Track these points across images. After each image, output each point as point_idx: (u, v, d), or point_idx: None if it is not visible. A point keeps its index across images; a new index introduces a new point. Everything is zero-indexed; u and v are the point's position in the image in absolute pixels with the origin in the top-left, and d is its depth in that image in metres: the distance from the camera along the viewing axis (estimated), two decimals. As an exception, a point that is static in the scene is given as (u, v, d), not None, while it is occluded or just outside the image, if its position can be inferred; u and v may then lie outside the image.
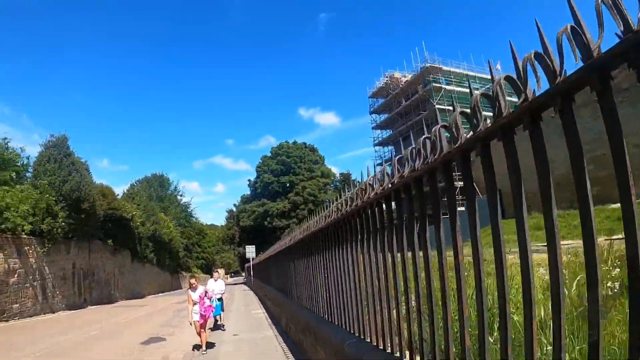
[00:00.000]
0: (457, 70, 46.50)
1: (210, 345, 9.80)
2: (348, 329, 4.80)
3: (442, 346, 2.93)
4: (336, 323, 5.36)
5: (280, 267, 12.46)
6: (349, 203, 4.45)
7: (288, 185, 53.82)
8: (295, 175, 54.05)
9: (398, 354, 3.44)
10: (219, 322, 12.97)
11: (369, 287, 4.03)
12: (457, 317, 3.05)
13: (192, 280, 9.82)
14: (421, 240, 3.04)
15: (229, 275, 79.90)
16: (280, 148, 57.39)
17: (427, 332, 2.98)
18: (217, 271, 14.37)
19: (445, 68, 45.98)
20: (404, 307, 3.34)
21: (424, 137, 2.88)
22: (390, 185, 3.44)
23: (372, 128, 56.03)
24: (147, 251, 37.67)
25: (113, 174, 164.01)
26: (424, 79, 46.84)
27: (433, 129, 2.75)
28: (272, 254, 14.96)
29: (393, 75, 52.58)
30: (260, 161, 58.45)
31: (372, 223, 3.94)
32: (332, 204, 5.25)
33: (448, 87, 44.38)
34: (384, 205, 3.72)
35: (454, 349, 2.72)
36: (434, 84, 44.93)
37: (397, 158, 3.29)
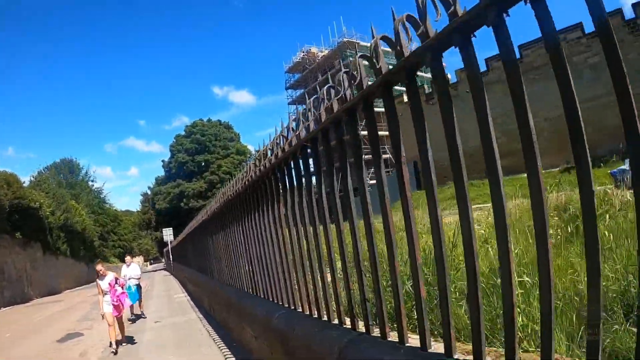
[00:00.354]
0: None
1: (129, 339, 8.62)
2: (276, 301, 4.26)
3: (389, 306, 2.50)
4: (262, 296, 4.79)
5: (198, 245, 11.57)
6: (268, 156, 3.83)
7: (203, 164, 51.45)
8: (210, 154, 51.82)
9: (336, 321, 2.96)
10: (136, 312, 11.69)
11: (296, 251, 3.48)
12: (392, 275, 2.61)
13: (99, 267, 8.49)
14: (360, 187, 2.52)
15: (148, 262, 76.15)
16: (194, 126, 54.65)
17: (370, 292, 2.51)
18: (128, 256, 12.86)
19: (362, 43, 45.87)
20: (340, 269, 2.84)
21: (358, 55, 2.35)
22: (315, 127, 2.88)
23: (288, 104, 54.95)
24: (60, 242, 33.94)
25: (19, 162, 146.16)
26: (341, 54, 46.60)
27: (370, 44, 2.23)
28: (188, 232, 13.96)
29: (310, 50, 51.73)
30: (174, 140, 55.23)
31: (297, 176, 3.38)
32: (251, 159, 4.59)
33: (365, 62, 44.49)
34: (309, 152, 3.17)
35: (408, 304, 2.29)
36: (351, 59, 44.91)
37: (326, 88, 2.72)
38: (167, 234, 33.49)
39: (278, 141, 3.56)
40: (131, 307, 11.08)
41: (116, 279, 8.38)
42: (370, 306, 2.55)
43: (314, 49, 51.84)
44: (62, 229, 34.74)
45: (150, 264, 75.18)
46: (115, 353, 7.62)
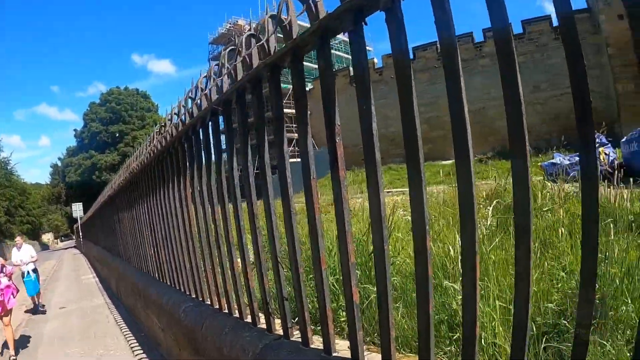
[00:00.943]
0: (304, 24, 45.82)
1: (23, 343, 6.90)
2: (183, 290, 3.70)
3: (311, 305, 2.09)
4: (169, 283, 4.20)
5: (106, 222, 10.48)
6: (174, 122, 3.21)
7: (118, 135, 47.99)
8: (125, 124, 48.39)
9: (249, 319, 2.50)
10: (37, 303, 9.86)
11: (203, 235, 2.95)
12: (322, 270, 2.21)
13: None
14: (279, 161, 2.04)
15: (59, 239, 70.65)
16: (110, 94, 50.60)
17: (289, 289, 2.08)
18: (19, 236, 10.27)
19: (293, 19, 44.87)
20: (255, 258, 2.36)
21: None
22: (229, 86, 2.34)
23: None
24: None
25: None
26: (269, 29, 45.06)
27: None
28: (96, 208, 12.71)
29: (237, 22, 49.22)
30: (89, 109, 50.95)
31: (206, 147, 2.82)
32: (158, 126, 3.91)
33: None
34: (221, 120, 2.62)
35: (334, 304, 1.88)
36: (279, 35, 43.56)
37: (244, 36, 2.18)
38: (77, 209, 30.82)
39: (185, 104, 2.96)
40: (32, 297, 9.60)
41: (2, 266, 6.66)
42: (290, 302, 2.13)
43: (241, 21, 49.55)
44: (-36, 204, 30.65)
45: (61, 241, 70.00)
46: (15, 355, 6.17)
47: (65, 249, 43.62)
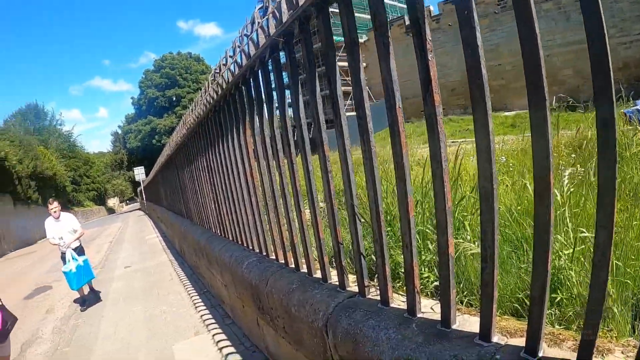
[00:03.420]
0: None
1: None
2: (245, 245, 3.57)
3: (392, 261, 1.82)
4: (230, 239, 4.10)
5: (167, 182, 10.72)
6: (228, 66, 2.96)
7: (174, 99, 49.62)
8: (181, 88, 49.89)
9: (319, 274, 2.30)
10: (92, 289, 7.34)
11: (267, 187, 2.74)
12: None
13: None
14: (356, 98, 1.74)
15: (124, 203, 75.18)
16: (163, 60, 52.08)
17: (367, 242, 1.83)
18: (55, 202, 6.70)
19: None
20: (327, 206, 2.11)
21: None
22: (290, 14, 2.03)
23: (261, 36, 52.72)
24: (30, 191, 31.99)
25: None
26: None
27: None
28: (157, 169, 13.07)
29: (290, -28, 48.20)
30: (143, 76, 52.96)
31: (266, 89, 2.56)
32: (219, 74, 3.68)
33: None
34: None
35: (417, 261, 1.60)
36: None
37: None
38: (139, 172, 32.26)
39: (239, 43, 2.69)
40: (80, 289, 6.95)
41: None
42: (367, 260, 1.87)
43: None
44: (32, 177, 32.90)
45: (126, 204, 74.39)
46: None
47: (130, 211, 46.15)
